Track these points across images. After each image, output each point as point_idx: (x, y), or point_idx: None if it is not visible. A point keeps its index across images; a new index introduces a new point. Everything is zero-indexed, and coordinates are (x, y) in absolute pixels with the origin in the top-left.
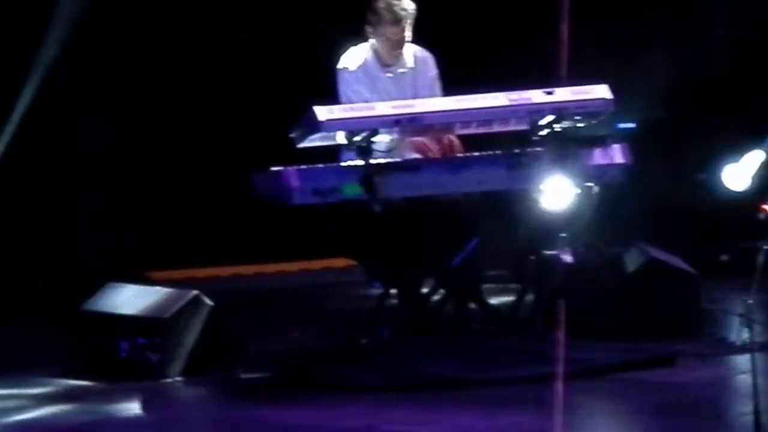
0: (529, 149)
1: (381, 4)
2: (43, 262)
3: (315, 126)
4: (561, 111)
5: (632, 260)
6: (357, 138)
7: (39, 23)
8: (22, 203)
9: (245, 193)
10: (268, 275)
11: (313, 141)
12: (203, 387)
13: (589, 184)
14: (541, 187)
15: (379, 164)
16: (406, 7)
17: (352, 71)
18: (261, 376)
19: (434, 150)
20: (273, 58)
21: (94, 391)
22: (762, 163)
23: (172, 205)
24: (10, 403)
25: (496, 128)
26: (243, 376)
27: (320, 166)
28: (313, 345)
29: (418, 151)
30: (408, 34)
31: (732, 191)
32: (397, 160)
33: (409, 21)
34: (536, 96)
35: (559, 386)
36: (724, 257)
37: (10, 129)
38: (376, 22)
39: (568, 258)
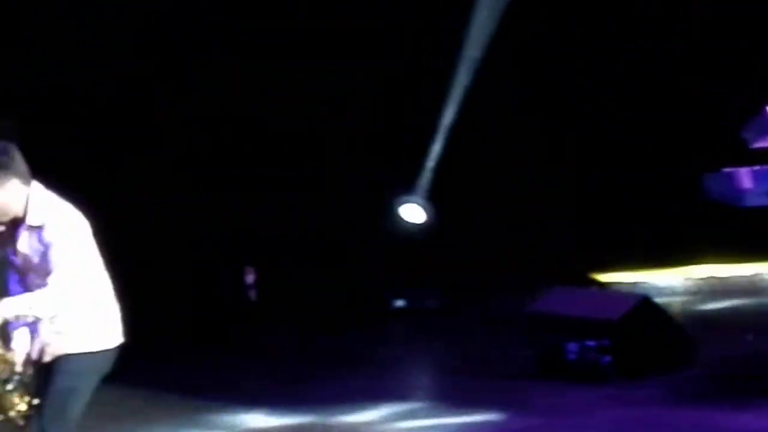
0: None
1: None
2: (491, 267)
3: None
4: None
5: None
6: None
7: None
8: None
9: (691, 194)
10: (717, 279)
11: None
12: (653, 389)
13: None
14: None
15: None
16: None
17: None
18: (713, 379)
19: None
20: (720, 58)
21: (543, 392)
22: None
23: (615, 204)
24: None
25: None
26: (694, 378)
27: None
28: (766, 349)
29: None
30: None
31: None
32: None
33: None
34: None
35: None
36: None
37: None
38: None
39: None
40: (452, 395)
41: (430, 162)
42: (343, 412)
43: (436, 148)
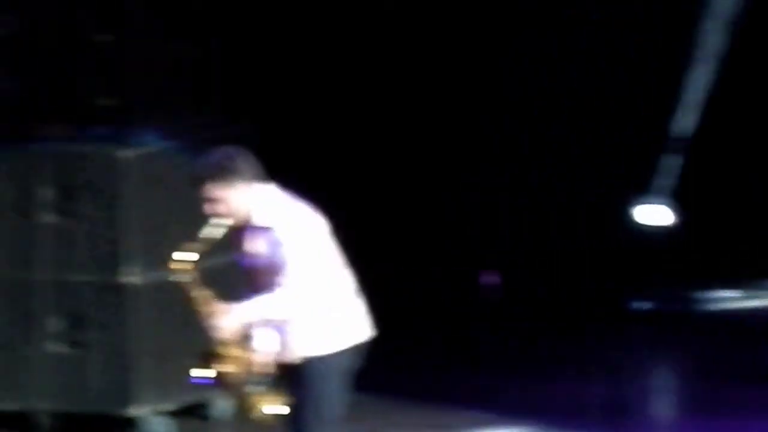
0: None
1: None
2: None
3: None
4: None
5: None
6: None
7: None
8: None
9: None
10: None
11: None
12: None
13: None
14: None
15: None
16: None
17: None
18: None
19: None
20: None
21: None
22: None
23: None
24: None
25: None
26: None
27: None
28: None
29: None
30: None
31: None
32: None
33: None
34: None
35: None
36: None
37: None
38: None
39: None
40: (694, 399)
41: (670, 162)
42: (581, 417)
43: (675, 150)
